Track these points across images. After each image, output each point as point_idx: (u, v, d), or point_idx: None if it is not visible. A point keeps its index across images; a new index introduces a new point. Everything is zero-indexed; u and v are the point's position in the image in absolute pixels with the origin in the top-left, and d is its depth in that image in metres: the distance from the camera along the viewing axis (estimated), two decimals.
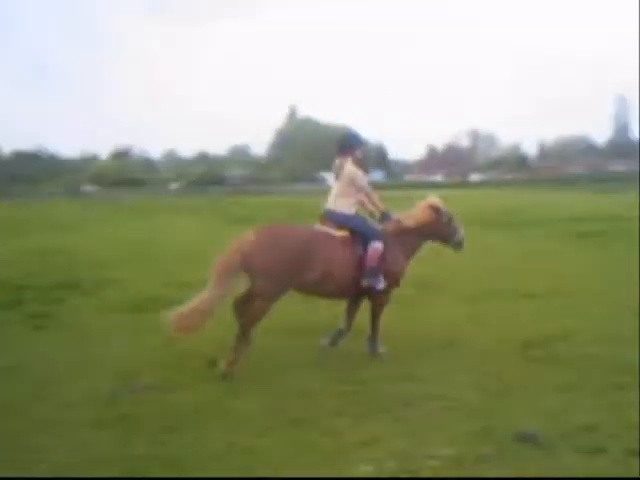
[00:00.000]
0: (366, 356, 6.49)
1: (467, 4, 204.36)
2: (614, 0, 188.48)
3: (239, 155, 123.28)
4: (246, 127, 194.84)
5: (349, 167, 6.39)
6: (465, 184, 73.77)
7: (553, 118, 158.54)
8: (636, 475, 3.91)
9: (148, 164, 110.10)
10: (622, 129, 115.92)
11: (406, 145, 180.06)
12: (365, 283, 6.23)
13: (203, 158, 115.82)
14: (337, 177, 6.49)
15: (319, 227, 6.39)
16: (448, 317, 7.93)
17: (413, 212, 6.81)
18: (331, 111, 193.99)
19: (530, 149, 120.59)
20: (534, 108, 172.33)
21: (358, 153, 6.64)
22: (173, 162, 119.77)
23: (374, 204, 6.65)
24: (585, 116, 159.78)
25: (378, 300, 6.52)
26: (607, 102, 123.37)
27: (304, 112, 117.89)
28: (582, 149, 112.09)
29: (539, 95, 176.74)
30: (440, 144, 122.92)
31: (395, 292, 6.74)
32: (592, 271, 11.14)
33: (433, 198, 6.94)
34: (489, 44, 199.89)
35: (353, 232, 6.30)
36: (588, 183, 59.17)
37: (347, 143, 6.63)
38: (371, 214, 6.74)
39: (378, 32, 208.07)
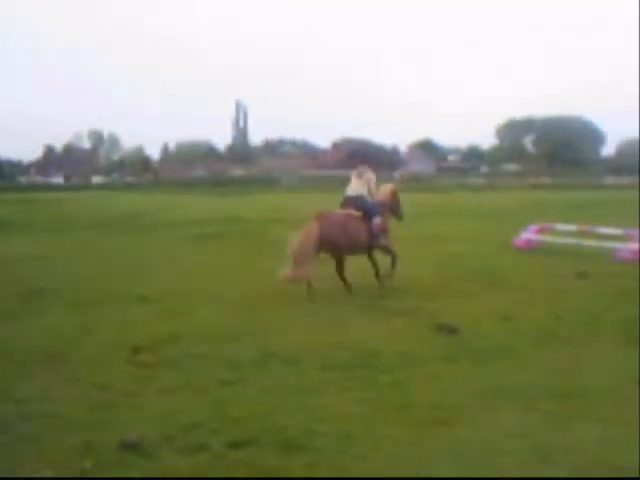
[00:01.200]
0: None
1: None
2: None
3: None
4: None
5: (370, 174, 10.01)
6: (87, 186, 71.52)
7: (176, 120, 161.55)
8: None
9: None
10: (241, 135, 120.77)
11: (20, 145, 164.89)
12: (375, 242, 9.64)
13: None
14: (358, 177, 9.93)
15: (344, 210, 9.62)
16: (55, 327, 7.48)
17: (383, 192, 10.32)
18: None
19: (154, 152, 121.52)
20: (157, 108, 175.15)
21: (373, 163, 10.30)
22: None
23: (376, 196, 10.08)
24: (209, 120, 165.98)
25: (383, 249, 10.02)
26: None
27: None
28: (204, 153, 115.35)
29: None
30: (59, 144, 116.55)
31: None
32: (208, 272, 11.61)
33: (393, 185, 10.87)
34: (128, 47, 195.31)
35: (364, 212, 9.54)
36: (209, 187, 62.12)
37: (369, 157, 11.93)
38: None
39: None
